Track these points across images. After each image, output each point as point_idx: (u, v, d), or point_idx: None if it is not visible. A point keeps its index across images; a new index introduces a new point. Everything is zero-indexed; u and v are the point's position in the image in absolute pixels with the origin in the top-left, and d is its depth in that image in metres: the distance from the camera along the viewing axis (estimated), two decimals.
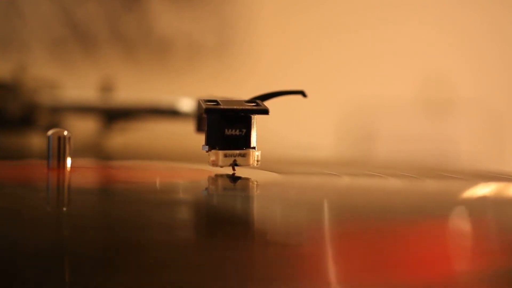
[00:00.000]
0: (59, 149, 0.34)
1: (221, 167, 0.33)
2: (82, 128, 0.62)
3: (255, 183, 0.35)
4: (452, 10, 0.93)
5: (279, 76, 0.90)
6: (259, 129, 0.34)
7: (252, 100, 0.34)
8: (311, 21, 0.96)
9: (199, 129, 0.41)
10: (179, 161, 0.47)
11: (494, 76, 0.92)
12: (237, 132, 0.33)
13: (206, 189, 0.35)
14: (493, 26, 0.92)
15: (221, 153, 0.33)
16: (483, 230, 0.26)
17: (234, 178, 0.34)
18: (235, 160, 0.33)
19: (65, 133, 0.34)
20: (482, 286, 0.19)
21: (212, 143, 0.33)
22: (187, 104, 0.61)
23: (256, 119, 0.34)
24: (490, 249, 0.23)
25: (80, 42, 0.99)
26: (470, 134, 0.89)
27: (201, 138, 0.34)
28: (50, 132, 0.34)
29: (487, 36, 0.92)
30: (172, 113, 0.61)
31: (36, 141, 0.61)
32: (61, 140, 0.34)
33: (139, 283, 0.18)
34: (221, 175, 0.35)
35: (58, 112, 0.64)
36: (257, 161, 0.34)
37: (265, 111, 0.33)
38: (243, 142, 0.33)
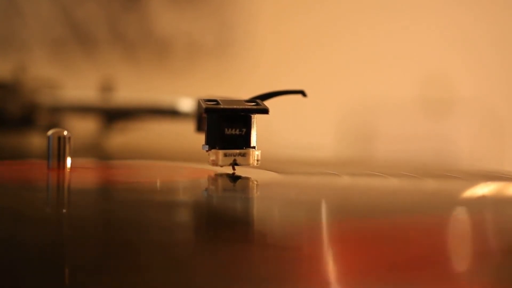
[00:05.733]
0: (59, 149, 0.34)
1: (221, 166, 0.34)
2: (82, 128, 0.62)
3: (255, 182, 0.35)
4: (452, 10, 0.93)
5: (279, 76, 0.90)
6: (259, 129, 0.34)
7: (252, 100, 0.34)
8: (311, 22, 0.96)
9: (199, 128, 0.41)
10: (179, 160, 0.47)
11: (494, 76, 0.92)
12: (237, 132, 0.33)
13: (206, 189, 0.35)
14: (493, 26, 0.92)
15: (221, 152, 0.33)
16: (482, 230, 0.26)
17: (234, 178, 0.34)
18: (235, 160, 0.33)
19: (65, 133, 0.34)
20: (482, 286, 0.19)
21: (212, 142, 0.33)
22: (187, 104, 0.61)
23: (256, 118, 0.34)
24: (490, 249, 0.23)
25: (80, 42, 0.99)
26: (470, 134, 0.89)
27: (201, 137, 0.34)
28: (50, 132, 0.34)
29: (487, 36, 0.92)
30: (172, 113, 0.61)
31: (36, 141, 0.61)
32: (61, 140, 0.34)
33: (139, 284, 0.18)
34: (221, 175, 0.35)
35: (58, 112, 0.64)
36: (257, 160, 0.34)
37: (265, 111, 0.33)
38: (243, 142, 0.33)
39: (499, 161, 0.88)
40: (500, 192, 0.35)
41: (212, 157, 0.33)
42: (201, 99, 0.34)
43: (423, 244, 0.23)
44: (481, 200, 0.32)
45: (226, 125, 0.33)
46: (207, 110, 0.33)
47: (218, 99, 0.34)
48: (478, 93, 0.92)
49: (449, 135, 0.89)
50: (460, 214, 0.28)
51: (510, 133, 0.90)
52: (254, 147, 0.34)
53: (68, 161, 0.35)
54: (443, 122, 0.90)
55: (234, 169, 0.34)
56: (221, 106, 0.33)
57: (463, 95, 0.91)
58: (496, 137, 0.90)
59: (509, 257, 0.22)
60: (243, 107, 0.33)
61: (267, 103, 0.34)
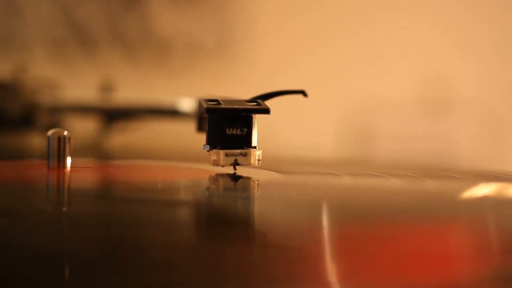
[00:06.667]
0: (59, 149, 0.34)
1: (222, 166, 0.33)
2: (82, 128, 0.62)
3: (256, 182, 0.35)
4: (452, 10, 0.93)
5: (279, 76, 0.90)
6: (260, 129, 0.34)
7: (253, 100, 0.34)
8: (311, 21, 0.96)
9: (200, 128, 0.41)
10: (179, 160, 0.47)
11: (494, 76, 0.92)
12: (238, 132, 0.33)
13: (207, 188, 0.35)
14: (493, 26, 0.92)
15: (222, 152, 0.33)
16: (483, 230, 0.26)
17: (235, 178, 0.34)
18: (236, 160, 0.33)
19: (65, 133, 0.34)
20: (482, 286, 0.19)
21: (213, 142, 0.33)
22: (187, 104, 0.61)
23: (257, 118, 0.34)
24: (490, 249, 0.23)
25: (80, 42, 0.99)
26: (470, 134, 0.89)
27: (202, 137, 0.34)
28: (50, 132, 0.34)
29: (487, 36, 0.92)
30: (172, 113, 0.61)
31: (36, 141, 0.61)
32: (61, 140, 0.34)
33: (139, 283, 0.18)
34: (222, 175, 0.35)
35: (58, 112, 0.64)
36: (258, 160, 0.34)
37: (266, 111, 0.33)
38: (244, 142, 0.33)
39: (499, 161, 0.88)
40: (500, 193, 0.35)
41: (213, 157, 0.33)
42: (202, 99, 0.34)
43: (424, 244, 0.23)
44: (482, 201, 0.32)
45: (227, 125, 0.33)
46: (208, 110, 0.33)
47: (219, 99, 0.34)
48: (478, 93, 0.92)
49: (449, 135, 0.89)
50: (460, 215, 0.28)
51: (510, 133, 0.90)
52: (255, 147, 0.34)
53: (68, 161, 0.35)
54: (443, 122, 0.90)
55: (235, 169, 0.34)
56: (222, 106, 0.33)
57: (463, 95, 0.91)
58: (496, 137, 0.90)
59: (510, 257, 0.22)
60: (244, 107, 0.33)
61: (268, 103, 0.34)
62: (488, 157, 0.88)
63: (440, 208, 0.29)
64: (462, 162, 0.88)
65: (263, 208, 0.29)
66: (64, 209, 0.28)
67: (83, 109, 0.64)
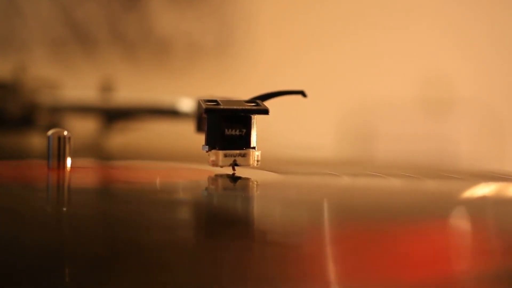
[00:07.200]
0: (59, 149, 0.34)
1: (221, 167, 0.33)
2: (82, 128, 0.62)
3: (255, 183, 0.35)
4: (452, 10, 0.93)
5: (279, 76, 0.90)
6: (259, 129, 0.34)
7: (252, 100, 0.34)
8: (311, 22, 0.96)
9: (199, 129, 0.41)
10: (179, 161, 0.47)
11: (494, 76, 0.92)
12: (237, 132, 0.33)
13: (206, 189, 0.35)
14: (493, 26, 0.92)
15: (221, 153, 0.33)
16: (483, 230, 0.26)
17: (234, 178, 0.34)
18: (235, 160, 0.33)
19: (65, 133, 0.34)
20: (482, 286, 0.19)
21: (212, 143, 0.33)
22: (187, 104, 0.61)
23: (256, 119, 0.34)
24: (490, 249, 0.23)
25: (80, 42, 0.99)
26: (470, 134, 0.89)
27: (201, 138, 0.34)
28: (50, 132, 0.34)
29: (487, 36, 0.92)
30: (172, 113, 0.61)
31: (36, 141, 0.61)
32: (61, 140, 0.34)
33: (139, 284, 0.18)
34: (221, 175, 0.35)
35: (58, 112, 0.64)
36: (257, 161, 0.34)
37: (265, 111, 0.33)
38: (243, 142, 0.33)
39: (499, 161, 0.88)
40: (500, 193, 0.35)
41: (212, 158, 0.33)
42: (201, 100, 0.34)
43: (423, 244, 0.23)
44: (481, 201, 0.32)
45: (226, 125, 0.33)
46: (207, 110, 0.33)
47: (218, 99, 0.34)
48: (478, 93, 0.92)
49: (449, 135, 0.89)
50: (460, 215, 0.28)
51: (510, 133, 0.90)
52: (254, 148, 0.34)
53: (68, 161, 0.35)
54: (443, 122, 0.90)
55: (234, 169, 0.34)
56: (221, 107, 0.33)
57: (463, 95, 0.91)
58: (496, 137, 0.90)
59: (509, 257, 0.22)
60: (243, 107, 0.33)
61: (267, 103, 0.34)
62: (488, 157, 0.88)
63: (439, 208, 0.29)
64: (462, 162, 0.88)
65: (262, 209, 0.29)
66: (64, 209, 0.28)
67: (83, 109, 0.64)
